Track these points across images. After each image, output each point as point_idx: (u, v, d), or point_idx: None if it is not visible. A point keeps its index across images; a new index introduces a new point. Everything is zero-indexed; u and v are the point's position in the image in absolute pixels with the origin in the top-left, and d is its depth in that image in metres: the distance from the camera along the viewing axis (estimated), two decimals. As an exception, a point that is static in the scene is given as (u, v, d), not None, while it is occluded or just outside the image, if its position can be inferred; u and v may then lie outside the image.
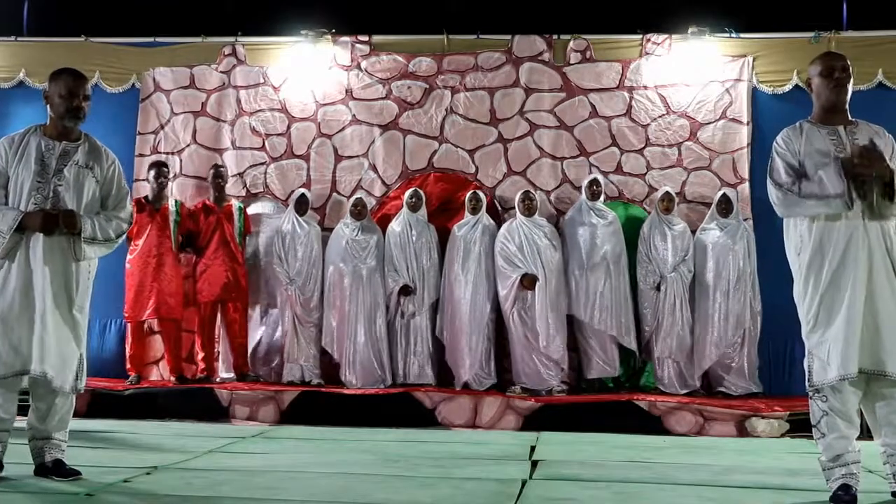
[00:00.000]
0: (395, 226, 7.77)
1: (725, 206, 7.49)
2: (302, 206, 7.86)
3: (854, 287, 3.74)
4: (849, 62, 3.97)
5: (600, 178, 7.76)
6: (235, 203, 7.96)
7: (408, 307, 7.62)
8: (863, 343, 3.73)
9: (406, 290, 7.60)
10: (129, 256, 7.69)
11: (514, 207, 7.96)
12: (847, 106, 3.97)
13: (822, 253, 3.83)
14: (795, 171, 3.88)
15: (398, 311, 7.65)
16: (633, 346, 7.52)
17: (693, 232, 7.60)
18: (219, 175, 7.94)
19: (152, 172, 7.78)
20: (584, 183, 7.73)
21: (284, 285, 7.71)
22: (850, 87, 3.97)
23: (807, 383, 3.87)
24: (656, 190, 7.90)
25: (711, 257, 7.42)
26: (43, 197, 4.12)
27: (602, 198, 7.71)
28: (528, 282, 7.37)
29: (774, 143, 4.00)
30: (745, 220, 7.60)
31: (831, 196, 3.74)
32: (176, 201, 7.88)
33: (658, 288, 7.46)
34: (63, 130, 4.25)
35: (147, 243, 7.62)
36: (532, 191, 7.75)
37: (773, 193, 3.92)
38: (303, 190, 7.98)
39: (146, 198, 7.78)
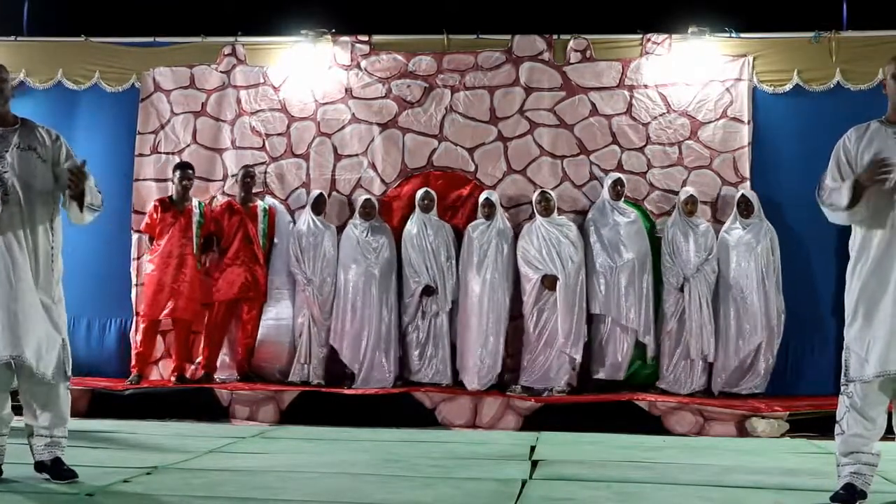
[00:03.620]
0: (409, 228, 7.75)
1: (746, 207, 7.48)
2: (319, 206, 7.85)
3: None
4: None
5: (623, 177, 7.75)
6: (261, 204, 7.93)
7: (431, 307, 7.60)
8: None
9: (428, 291, 7.59)
10: (149, 255, 7.71)
11: (513, 207, 7.98)
12: None
13: (867, 249, 3.83)
14: (843, 175, 3.89)
15: (419, 311, 7.63)
16: (652, 345, 7.50)
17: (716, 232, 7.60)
18: (248, 175, 7.93)
19: (177, 174, 7.77)
20: (608, 182, 7.71)
21: (302, 286, 7.69)
22: None
23: (842, 376, 3.87)
24: (657, 188, 7.90)
25: (735, 257, 7.41)
26: None
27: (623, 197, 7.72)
28: (548, 283, 7.36)
29: (836, 146, 3.99)
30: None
31: (840, 209, 3.81)
32: (199, 202, 7.88)
33: (681, 289, 7.45)
34: None
35: (169, 244, 7.62)
36: (548, 191, 7.72)
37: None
38: (319, 190, 7.97)
39: (170, 198, 7.78)
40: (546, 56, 8.24)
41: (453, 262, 7.67)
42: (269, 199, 8.10)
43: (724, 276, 7.46)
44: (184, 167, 7.84)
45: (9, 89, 4.25)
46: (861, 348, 3.79)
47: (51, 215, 4.20)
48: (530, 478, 4.49)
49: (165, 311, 7.63)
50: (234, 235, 7.79)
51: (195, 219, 7.74)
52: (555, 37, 8.27)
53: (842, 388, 3.88)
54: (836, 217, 3.91)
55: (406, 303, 7.66)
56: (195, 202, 7.83)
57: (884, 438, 3.96)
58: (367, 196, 7.94)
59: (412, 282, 7.62)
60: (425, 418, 7.06)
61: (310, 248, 7.72)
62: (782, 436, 6.57)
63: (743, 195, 7.56)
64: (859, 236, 3.87)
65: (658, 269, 7.61)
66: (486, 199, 7.72)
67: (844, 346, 3.89)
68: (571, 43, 8.23)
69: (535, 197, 7.67)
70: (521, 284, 7.54)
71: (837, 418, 3.88)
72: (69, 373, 4.19)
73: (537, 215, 7.60)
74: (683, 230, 7.56)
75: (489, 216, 7.65)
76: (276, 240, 7.99)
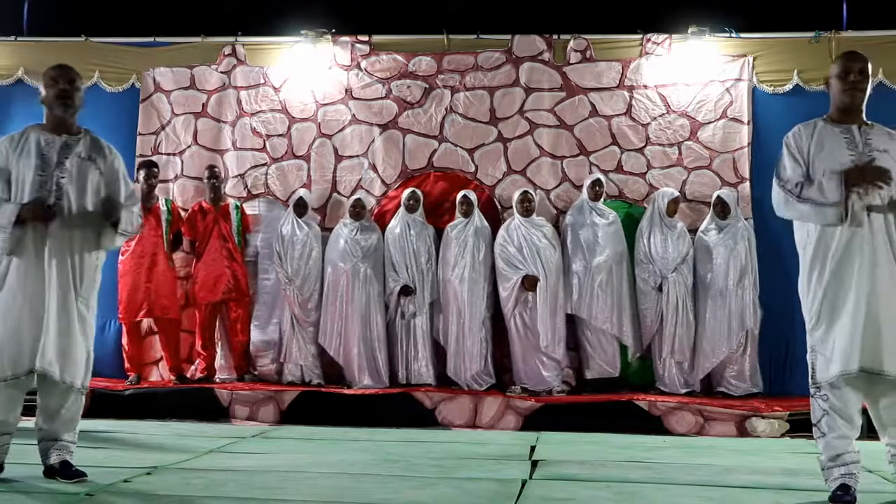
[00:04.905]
0: (393, 227, 7.77)
1: (722, 208, 7.49)
2: (300, 207, 7.86)
3: (858, 283, 3.73)
4: (868, 64, 3.96)
5: (602, 178, 7.76)
6: (232, 202, 7.96)
7: (408, 307, 7.61)
8: (864, 341, 3.71)
9: (406, 291, 7.60)
10: (121, 257, 7.69)
11: (513, 207, 7.97)
12: (863, 107, 3.97)
13: (825, 248, 3.82)
14: (801, 171, 3.89)
15: (398, 311, 7.64)
16: (632, 344, 7.51)
17: (693, 232, 7.61)
18: (213, 175, 7.93)
19: (142, 172, 7.76)
20: (587, 183, 7.73)
21: (283, 285, 7.71)
22: (868, 89, 3.97)
23: (810, 380, 3.86)
24: (657, 189, 7.90)
25: (713, 258, 7.41)
26: (46, 191, 4.11)
27: (603, 197, 7.73)
28: (528, 283, 7.37)
29: (785, 138, 4.00)
30: (745, 219, 7.59)
31: (828, 204, 3.74)
32: (167, 200, 7.90)
33: (660, 288, 7.45)
34: (60, 123, 4.23)
35: (139, 243, 7.60)
36: (531, 191, 7.73)
37: (775, 190, 3.94)
38: (301, 192, 7.98)
39: None
40: (546, 56, 8.24)
41: (434, 263, 7.67)
42: (265, 201, 8.10)
43: (701, 276, 7.45)
44: (148, 165, 7.82)
45: (80, 98, 4.27)
46: (826, 349, 3.79)
47: (100, 227, 4.22)
48: (530, 478, 4.49)
49: (143, 312, 7.63)
50: (209, 236, 7.79)
51: (164, 216, 7.74)
52: (555, 37, 8.27)
53: (812, 391, 3.86)
54: (807, 212, 3.82)
55: (385, 301, 7.67)
56: (162, 200, 7.84)
57: (874, 438, 3.95)
58: (358, 196, 7.93)
59: (391, 281, 7.63)
60: (425, 418, 7.06)
61: (291, 248, 7.73)
62: (782, 436, 6.58)
63: (719, 197, 7.54)
64: (814, 237, 3.86)
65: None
66: (464, 196, 7.71)
67: (809, 349, 3.88)
68: (571, 43, 8.23)
69: (516, 196, 7.65)
70: (498, 284, 7.51)
71: (814, 421, 3.87)
72: (87, 384, 4.22)
73: (517, 215, 7.60)
74: (661, 230, 7.56)
75: (467, 213, 7.65)
76: (253, 235, 8.02)
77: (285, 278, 7.70)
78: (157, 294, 7.61)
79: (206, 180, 7.96)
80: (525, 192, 7.66)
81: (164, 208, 7.78)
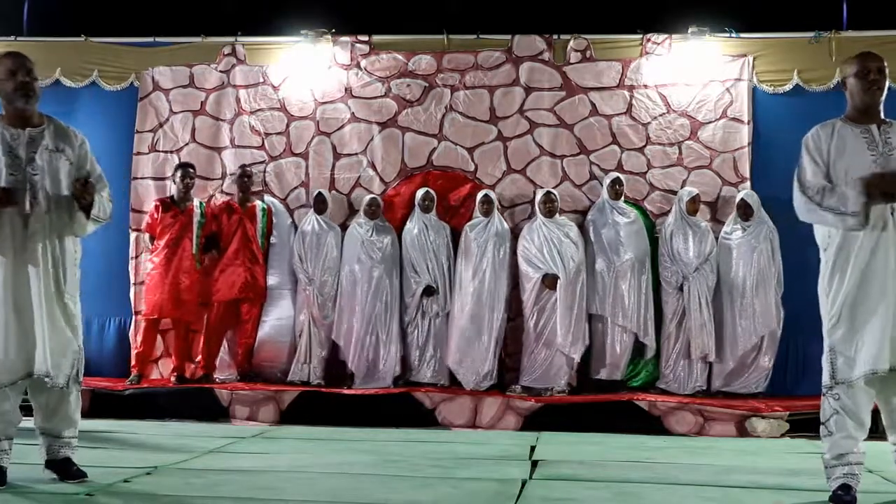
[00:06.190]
0: (410, 227, 7.74)
1: (745, 210, 7.47)
2: (320, 204, 7.85)
3: (885, 284, 3.73)
4: (885, 63, 3.95)
5: (622, 177, 7.76)
6: (260, 203, 7.94)
7: (431, 307, 7.60)
8: (893, 341, 3.72)
9: (429, 291, 7.58)
10: (149, 255, 7.71)
11: (513, 207, 7.98)
12: (881, 106, 3.96)
13: (848, 250, 3.80)
14: (822, 173, 3.87)
15: (419, 311, 7.62)
16: (653, 344, 7.49)
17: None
18: (245, 175, 7.94)
19: (178, 173, 7.77)
20: (607, 182, 7.71)
21: (304, 286, 7.70)
22: (886, 87, 3.95)
23: (826, 379, 3.85)
24: (657, 188, 7.90)
25: (736, 258, 7.40)
26: (21, 190, 3.96)
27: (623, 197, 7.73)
28: (549, 282, 7.36)
29: (804, 140, 3.97)
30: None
31: (848, 213, 3.72)
32: (200, 202, 7.87)
33: (681, 288, 7.44)
34: (22, 115, 4.07)
35: (169, 243, 7.62)
36: (554, 192, 7.70)
37: (796, 196, 3.91)
38: (321, 189, 7.97)
39: (172, 198, 7.78)
40: (546, 56, 8.24)
41: (453, 262, 7.66)
42: (268, 199, 8.11)
43: (724, 277, 7.44)
44: (185, 167, 7.85)
45: (37, 87, 4.11)
46: (849, 350, 3.77)
47: (73, 213, 4.09)
48: (530, 478, 4.49)
49: (165, 311, 7.62)
50: (232, 235, 7.79)
51: (196, 218, 7.74)
52: (555, 37, 8.27)
53: (825, 390, 3.85)
54: (831, 220, 3.81)
55: (406, 302, 7.66)
56: (196, 202, 7.83)
57: (875, 438, 3.95)
58: (373, 195, 7.93)
59: (413, 282, 7.62)
60: (425, 418, 7.06)
61: (313, 248, 7.72)
62: (782, 436, 6.58)
63: (742, 199, 7.54)
64: (836, 239, 3.85)
65: (657, 269, 7.61)
66: (486, 195, 7.69)
67: (828, 348, 3.86)
68: (571, 43, 8.23)
69: (539, 197, 7.64)
70: (520, 284, 7.54)
71: (822, 420, 3.87)
72: (80, 379, 4.17)
73: (539, 215, 7.60)
74: (683, 230, 7.55)
75: (487, 213, 7.64)
76: (273, 239, 7.99)
77: (306, 279, 7.68)
78: (181, 294, 7.59)
79: (236, 179, 7.97)
80: (548, 193, 7.64)
81: (197, 210, 7.76)
